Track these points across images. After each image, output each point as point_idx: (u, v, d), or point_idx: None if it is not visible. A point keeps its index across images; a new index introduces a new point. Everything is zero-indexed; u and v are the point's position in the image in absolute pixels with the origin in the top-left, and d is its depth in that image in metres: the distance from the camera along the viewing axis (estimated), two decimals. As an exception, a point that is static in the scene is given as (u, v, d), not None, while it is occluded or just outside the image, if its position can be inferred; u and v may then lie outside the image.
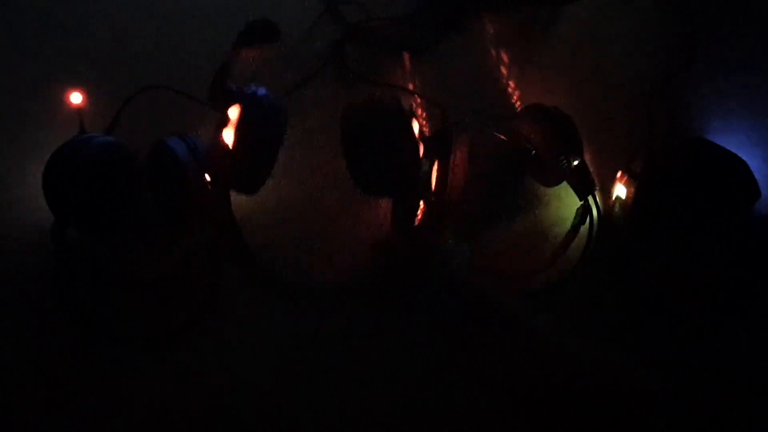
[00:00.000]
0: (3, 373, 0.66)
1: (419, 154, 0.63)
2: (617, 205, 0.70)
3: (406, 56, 0.76)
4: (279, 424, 0.64)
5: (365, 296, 0.68)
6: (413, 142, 0.62)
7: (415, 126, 0.64)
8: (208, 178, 0.65)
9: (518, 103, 0.75)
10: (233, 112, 0.64)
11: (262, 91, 0.66)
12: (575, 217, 0.69)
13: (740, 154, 0.66)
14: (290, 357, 0.66)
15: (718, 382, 0.67)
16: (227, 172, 0.64)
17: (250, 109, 0.64)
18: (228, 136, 0.64)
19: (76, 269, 0.66)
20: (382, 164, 0.61)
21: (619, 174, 0.71)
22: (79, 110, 0.68)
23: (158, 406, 0.65)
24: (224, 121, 0.64)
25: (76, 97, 0.69)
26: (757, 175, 0.65)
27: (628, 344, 0.68)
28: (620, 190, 0.70)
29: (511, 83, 0.75)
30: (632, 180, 0.69)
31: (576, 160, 0.66)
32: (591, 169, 0.68)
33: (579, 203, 0.69)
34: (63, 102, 0.70)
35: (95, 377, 0.66)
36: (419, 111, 0.74)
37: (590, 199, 0.68)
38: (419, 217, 0.64)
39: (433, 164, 0.64)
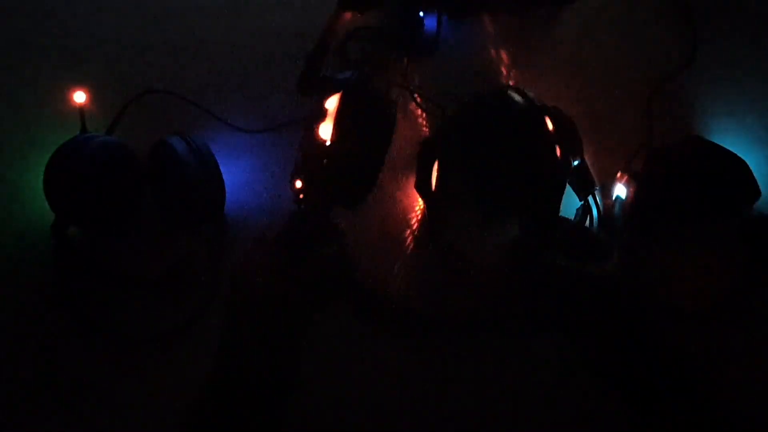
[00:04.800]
0: (3, 372, 0.66)
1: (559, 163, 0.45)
2: (617, 205, 0.70)
3: (406, 56, 0.76)
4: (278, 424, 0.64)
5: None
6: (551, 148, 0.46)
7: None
8: (299, 184, 0.52)
9: (518, 103, 0.75)
10: (332, 103, 0.51)
11: (360, 76, 0.53)
12: (575, 217, 0.69)
13: (740, 154, 0.66)
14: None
15: (718, 381, 0.67)
16: (326, 177, 0.50)
17: (354, 98, 0.51)
18: (325, 131, 0.50)
19: (76, 268, 0.66)
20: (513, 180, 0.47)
21: (619, 174, 0.71)
22: (81, 109, 0.68)
23: (158, 406, 0.66)
24: (321, 112, 0.51)
25: (79, 96, 0.69)
26: (757, 175, 0.65)
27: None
28: (620, 190, 0.70)
29: (511, 83, 0.75)
30: (632, 180, 0.69)
31: (576, 160, 0.66)
32: (591, 169, 0.68)
33: (579, 203, 0.69)
34: (64, 101, 0.70)
35: (95, 376, 0.66)
36: (419, 111, 0.74)
37: (590, 199, 0.68)
38: None
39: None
